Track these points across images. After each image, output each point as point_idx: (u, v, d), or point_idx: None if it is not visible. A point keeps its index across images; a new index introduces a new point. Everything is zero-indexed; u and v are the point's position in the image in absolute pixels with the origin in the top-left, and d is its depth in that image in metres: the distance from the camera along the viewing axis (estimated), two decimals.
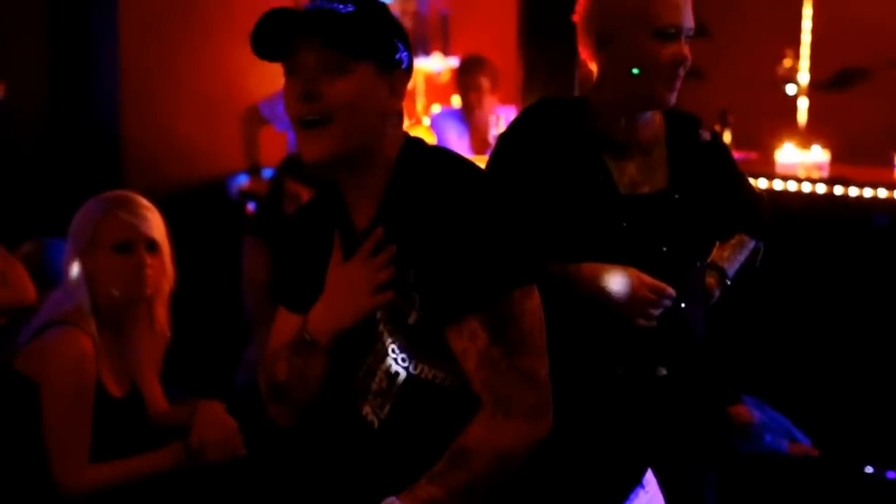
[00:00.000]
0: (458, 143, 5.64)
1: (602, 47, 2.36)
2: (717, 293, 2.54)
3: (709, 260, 2.53)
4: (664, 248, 2.37)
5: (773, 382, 4.46)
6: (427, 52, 6.61)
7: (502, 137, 2.46)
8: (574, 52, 4.44)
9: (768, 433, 3.96)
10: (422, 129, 4.17)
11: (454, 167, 1.90)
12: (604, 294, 2.30)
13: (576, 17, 2.42)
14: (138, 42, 5.88)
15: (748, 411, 4.03)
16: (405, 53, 1.91)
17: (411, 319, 1.87)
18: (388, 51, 1.88)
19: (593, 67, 2.42)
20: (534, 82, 4.74)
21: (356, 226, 1.94)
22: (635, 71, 2.32)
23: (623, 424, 2.36)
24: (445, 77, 6.61)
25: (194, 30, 6.07)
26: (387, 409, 1.93)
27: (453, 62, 6.48)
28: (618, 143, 2.39)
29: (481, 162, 4.28)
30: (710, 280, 2.52)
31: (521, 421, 1.84)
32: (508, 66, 5.66)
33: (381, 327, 1.91)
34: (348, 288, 1.90)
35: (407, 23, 6.78)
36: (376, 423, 1.95)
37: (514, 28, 5.13)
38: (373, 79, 1.85)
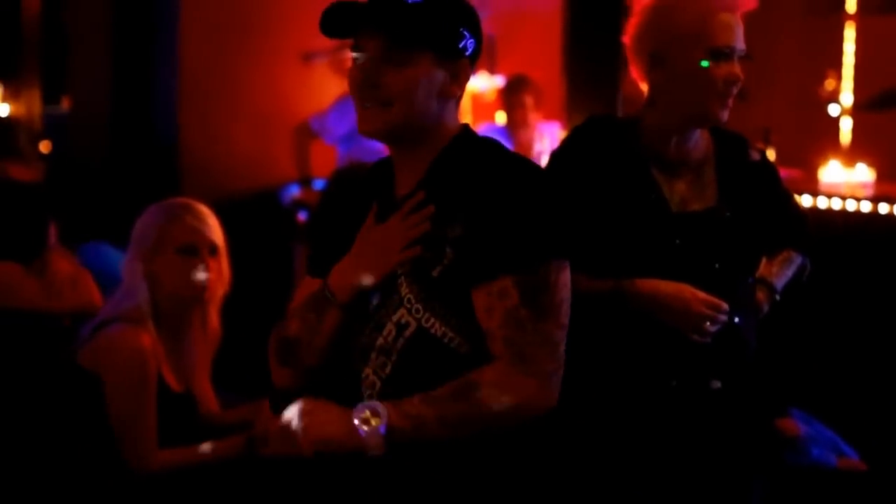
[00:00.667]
0: None
1: (655, 67, 2.38)
2: (766, 308, 2.55)
3: (757, 275, 2.54)
4: (716, 265, 2.39)
5: (820, 397, 4.40)
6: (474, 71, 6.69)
7: (554, 156, 2.49)
8: (617, 71, 4.55)
9: (816, 447, 3.87)
10: None
11: (503, 149, 1.95)
12: (660, 309, 2.34)
13: (626, 38, 2.44)
14: (197, 59, 6.01)
15: (795, 424, 3.97)
16: (471, 40, 1.92)
17: (435, 272, 1.85)
18: (451, 40, 1.90)
19: (644, 87, 2.44)
20: (578, 100, 4.79)
21: (397, 194, 1.97)
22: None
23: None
24: (491, 95, 6.69)
25: (250, 48, 6.19)
26: (389, 367, 1.88)
27: (499, 81, 6.57)
28: (668, 161, 2.41)
29: None
30: (760, 295, 2.53)
31: (536, 382, 1.81)
32: (552, 83, 5.75)
33: (400, 279, 1.89)
34: (378, 246, 1.91)
35: None
36: (378, 384, 1.90)
37: (559, 48, 5.19)
38: (432, 68, 1.89)
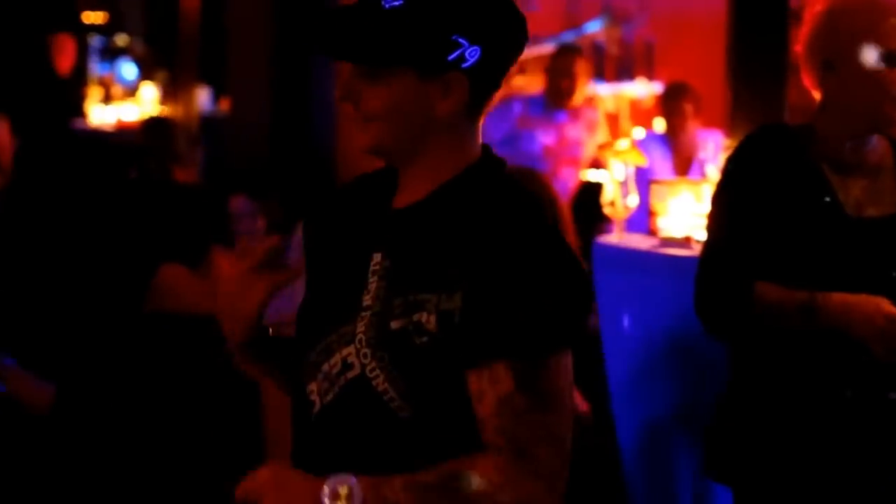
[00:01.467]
0: (662, 164, 5.68)
1: (827, 73, 2.38)
2: None
3: None
4: (893, 273, 2.35)
5: None
6: (632, 78, 6.66)
7: (728, 163, 2.49)
8: (784, 79, 4.42)
9: None
10: (634, 151, 4.22)
11: (527, 204, 1.69)
12: (851, 324, 2.28)
13: (797, 47, 2.44)
14: None
15: None
16: (473, 49, 1.62)
17: (420, 341, 1.62)
18: (435, 53, 1.62)
19: (817, 95, 2.44)
20: (743, 109, 4.69)
21: (394, 206, 1.73)
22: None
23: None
24: (650, 102, 6.66)
25: None
26: (330, 396, 1.68)
27: (657, 87, 6.52)
28: (843, 164, 2.40)
29: (684, 184, 4.27)
30: None
31: (543, 486, 1.57)
32: (713, 90, 5.65)
33: (362, 313, 1.67)
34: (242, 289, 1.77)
35: (613, 49, 6.86)
36: (318, 405, 1.70)
37: (721, 54, 5.10)
38: (413, 85, 1.63)
